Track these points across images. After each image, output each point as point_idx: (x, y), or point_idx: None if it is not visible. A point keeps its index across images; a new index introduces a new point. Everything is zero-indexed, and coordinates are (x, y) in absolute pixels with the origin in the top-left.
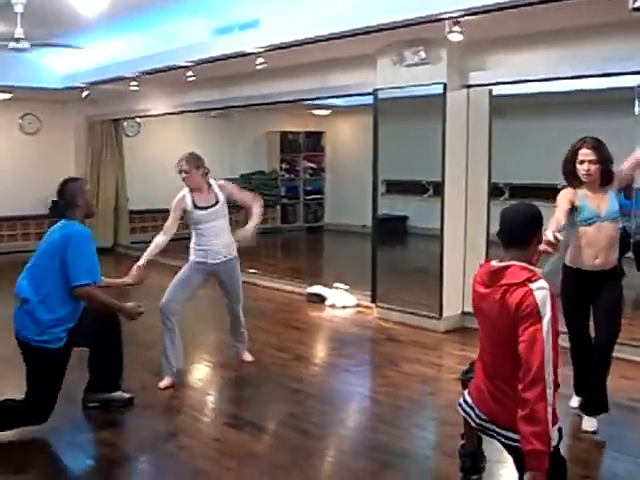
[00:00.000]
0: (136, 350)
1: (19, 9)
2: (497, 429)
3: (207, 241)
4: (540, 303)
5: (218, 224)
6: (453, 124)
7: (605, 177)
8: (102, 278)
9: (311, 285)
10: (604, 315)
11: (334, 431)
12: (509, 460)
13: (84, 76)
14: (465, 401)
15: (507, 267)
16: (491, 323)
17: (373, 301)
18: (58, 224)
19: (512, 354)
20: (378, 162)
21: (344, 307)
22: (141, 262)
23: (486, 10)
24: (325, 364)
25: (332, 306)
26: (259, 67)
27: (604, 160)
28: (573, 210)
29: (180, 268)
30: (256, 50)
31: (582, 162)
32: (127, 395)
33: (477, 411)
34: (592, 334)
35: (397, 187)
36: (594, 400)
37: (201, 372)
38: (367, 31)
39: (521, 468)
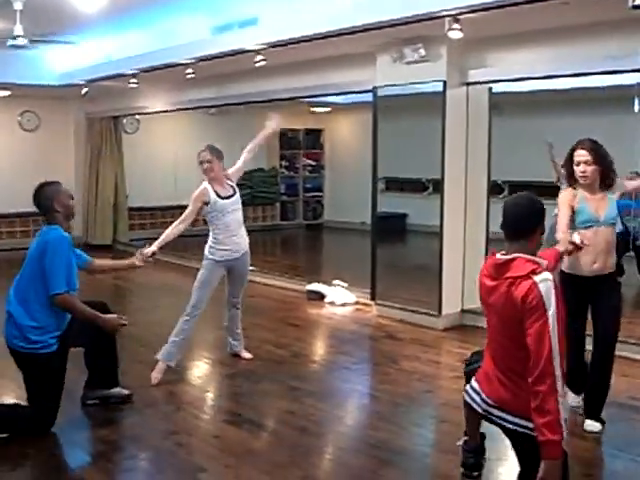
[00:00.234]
0: (135, 348)
1: (18, 6)
2: (506, 415)
3: (230, 235)
4: (545, 296)
5: (238, 216)
6: (453, 122)
7: (604, 179)
8: (78, 288)
9: (310, 282)
10: (604, 315)
11: (333, 428)
12: (509, 457)
13: (83, 73)
14: (472, 387)
15: (513, 260)
16: (498, 315)
17: (372, 298)
18: (41, 229)
19: (521, 346)
20: (377, 159)
21: (343, 304)
22: (154, 247)
23: (486, 8)
24: (324, 361)
25: (331, 303)
26: (258, 65)
27: (602, 161)
28: (572, 213)
29: (179, 267)
30: (255, 48)
31: (578, 163)
32: (126, 391)
33: (484, 396)
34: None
35: (396, 184)
36: (596, 401)
37: (200, 369)
38: (366, 28)
39: (522, 459)
